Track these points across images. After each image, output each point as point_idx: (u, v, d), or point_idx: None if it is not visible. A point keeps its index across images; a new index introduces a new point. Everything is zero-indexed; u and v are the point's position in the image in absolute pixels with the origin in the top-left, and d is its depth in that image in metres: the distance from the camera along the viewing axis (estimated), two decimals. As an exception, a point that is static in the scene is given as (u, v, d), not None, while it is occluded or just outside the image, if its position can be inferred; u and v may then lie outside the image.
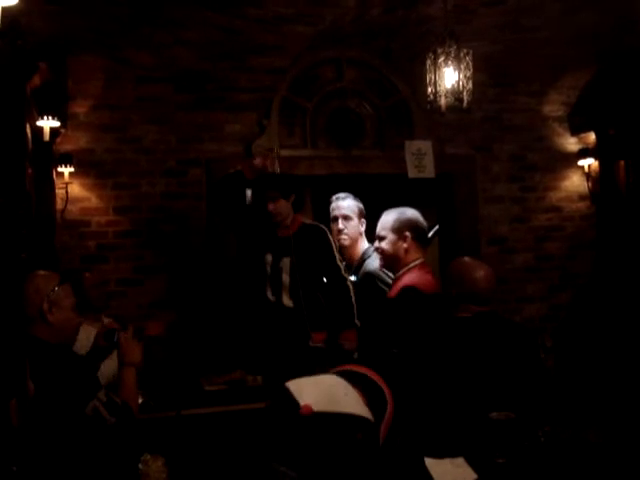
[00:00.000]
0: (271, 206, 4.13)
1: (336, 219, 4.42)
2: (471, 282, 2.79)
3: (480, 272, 2.82)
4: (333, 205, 4.48)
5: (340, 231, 4.38)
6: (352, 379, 1.32)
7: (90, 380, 2.55)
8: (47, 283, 2.54)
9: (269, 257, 4.20)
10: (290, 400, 1.21)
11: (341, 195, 4.49)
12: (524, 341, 2.81)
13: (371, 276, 4.10)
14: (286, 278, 4.16)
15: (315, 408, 1.18)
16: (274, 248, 4.21)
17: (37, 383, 2.31)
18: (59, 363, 2.46)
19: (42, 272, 2.62)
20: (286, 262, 4.17)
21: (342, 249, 4.38)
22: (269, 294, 4.19)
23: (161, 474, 2.13)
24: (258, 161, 4.22)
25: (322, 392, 1.23)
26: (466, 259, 2.97)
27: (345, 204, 4.43)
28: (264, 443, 1.19)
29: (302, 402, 1.19)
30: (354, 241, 4.37)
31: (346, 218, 4.38)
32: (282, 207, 4.17)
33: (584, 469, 2.25)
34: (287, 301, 4.16)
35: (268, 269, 4.19)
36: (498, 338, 2.73)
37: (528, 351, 2.79)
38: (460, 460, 2.20)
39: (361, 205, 4.47)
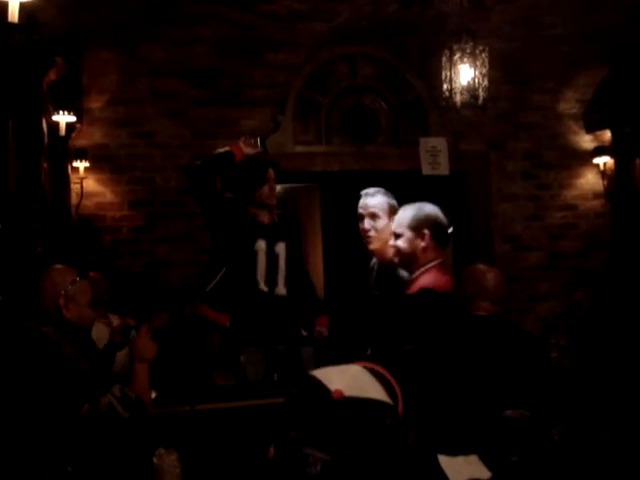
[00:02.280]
0: (273, 187, 3.88)
1: (362, 218, 3.71)
2: (484, 282, 2.82)
3: (491, 274, 2.85)
4: (360, 202, 3.79)
5: (366, 231, 3.67)
6: (370, 372, 1.35)
7: (105, 374, 2.56)
8: (64, 278, 2.52)
9: (262, 244, 3.83)
10: (320, 386, 1.24)
11: (370, 191, 3.79)
12: (534, 343, 2.84)
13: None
14: (283, 265, 3.87)
15: (346, 393, 1.22)
16: (265, 234, 3.86)
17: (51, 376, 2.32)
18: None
19: (59, 266, 2.60)
20: (282, 247, 3.89)
21: (370, 252, 3.73)
22: (262, 285, 3.81)
23: (175, 468, 2.14)
24: (245, 141, 3.84)
25: (349, 379, 1.26)
26: (479, 265, 2.97)
27: (373, 201, 3.73)
28: (293, 430, 1.21)
29: (333, 387, 1.23)
30: (383, 243, 3.59)
31: (373, 217, 3.68)
32: (276, 190, 3.97)
33: (597, 468, 2.25)
34: (282, 290, 3.85)
35: (262, 257, 3.82)
36: (512, 338, 2.74)
37: (539, 352, 2.81)
38: (474, 457, 2.20)
39: (393, 201, 3.75)
